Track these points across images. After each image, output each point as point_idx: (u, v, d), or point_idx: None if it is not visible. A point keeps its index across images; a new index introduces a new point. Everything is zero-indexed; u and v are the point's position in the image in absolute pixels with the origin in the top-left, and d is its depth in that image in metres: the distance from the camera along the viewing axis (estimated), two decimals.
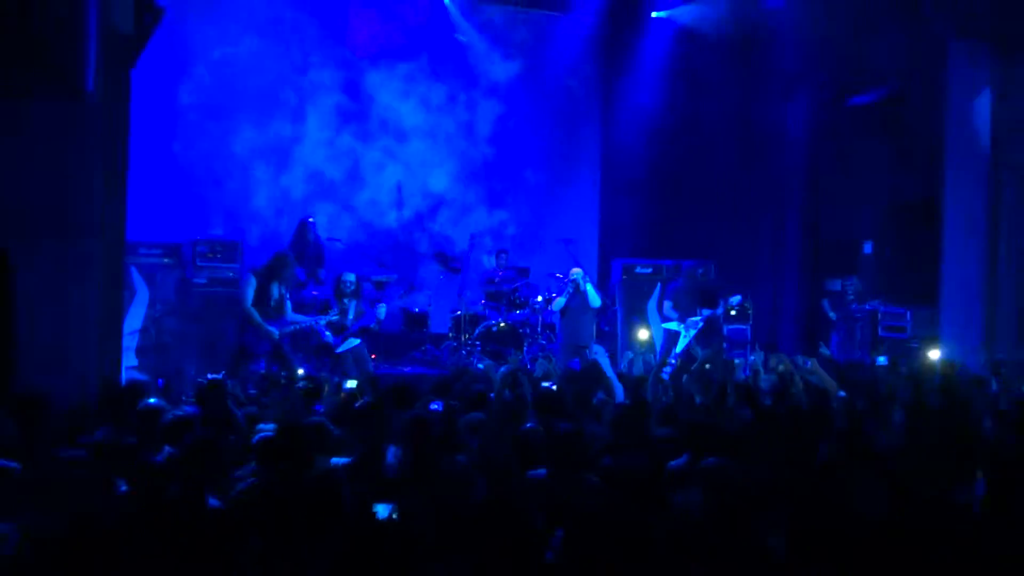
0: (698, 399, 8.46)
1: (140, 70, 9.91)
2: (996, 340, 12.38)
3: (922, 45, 13.29)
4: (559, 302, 13.41)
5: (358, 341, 12.09)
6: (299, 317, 11.72)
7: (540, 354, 12.81)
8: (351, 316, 12.14)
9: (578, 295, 13.20)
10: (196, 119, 14.62)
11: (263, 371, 10.69)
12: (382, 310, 12.31)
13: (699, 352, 12.80)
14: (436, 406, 7.14)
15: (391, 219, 16.12)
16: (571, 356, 12.63)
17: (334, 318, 11.94)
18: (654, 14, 16.74)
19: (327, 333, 11.83)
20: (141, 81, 10.37)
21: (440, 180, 16.54)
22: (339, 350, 11.87)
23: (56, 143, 8.56)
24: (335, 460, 6.23)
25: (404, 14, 15.97)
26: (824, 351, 13.01)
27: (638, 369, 10.59)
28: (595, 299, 13.34)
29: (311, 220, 13.94)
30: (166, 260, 12.56)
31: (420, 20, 16.11)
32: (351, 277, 12.38)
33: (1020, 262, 12.43)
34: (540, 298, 14.35)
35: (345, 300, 12.18)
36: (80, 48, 8.62)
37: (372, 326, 12.29)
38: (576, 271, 13.38)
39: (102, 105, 8.89)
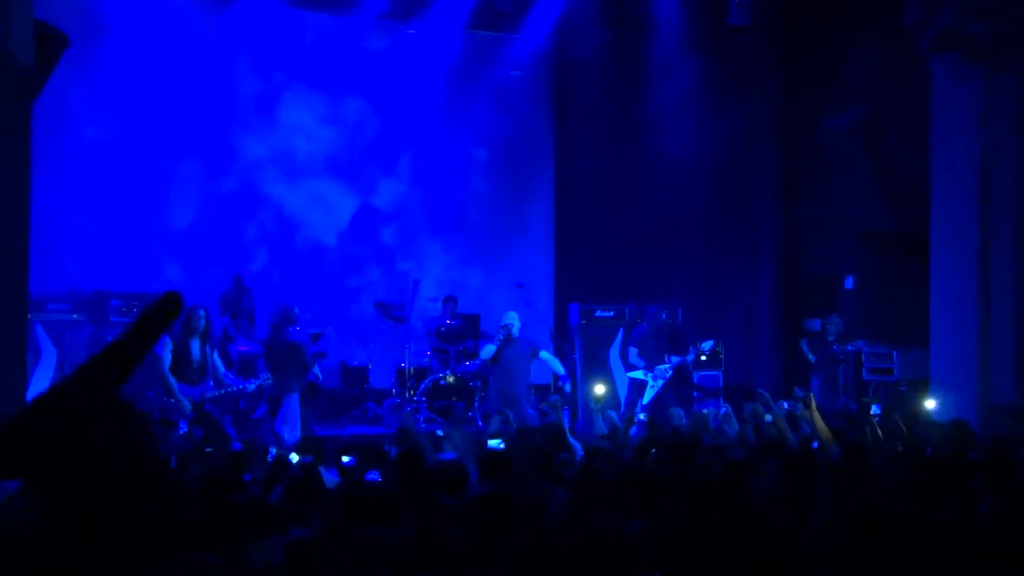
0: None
1: (44, 103, 9.77)
2: (992, 384, 12.06)
3: (902, 60, 13.13)
4: (488, 349, 12.74)
5: None
6: (231, 379, 11.09)
7: (495, 411, 12.25)
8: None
9: (512, 343, 12.57)
10: (107, 156, 14.24)
11: (183, 434, 10.23)
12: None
13: (670, 403, 12.75)
14: (373, 476, 7.00)
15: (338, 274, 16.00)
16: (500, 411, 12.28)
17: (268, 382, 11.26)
18: None
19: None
20: (45, 115, 10.17)
21: (377, 222, 16.39)
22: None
23: None
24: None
25: (334, 44, 15.77)
26: (799, 394, 12.92)
27: (600, 428, 10.43)
28: (557, 367, 13.11)
29: (247, 271, 13.73)
30: (76, 316, 12.30)
31: (354, 51, 15.89)
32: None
33: (1019, 296, 12.02)
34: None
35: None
36: None
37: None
38: (511, 314, 12.80)
39: None
